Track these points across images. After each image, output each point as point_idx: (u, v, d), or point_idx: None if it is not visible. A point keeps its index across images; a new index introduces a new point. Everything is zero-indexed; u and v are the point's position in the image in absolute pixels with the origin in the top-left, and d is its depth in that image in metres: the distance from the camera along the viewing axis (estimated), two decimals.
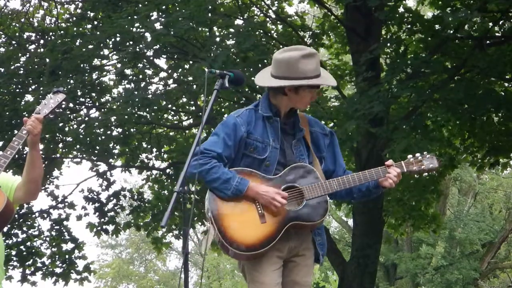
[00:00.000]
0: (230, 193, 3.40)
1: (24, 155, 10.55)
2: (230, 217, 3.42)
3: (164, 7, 9.39)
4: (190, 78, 9.60)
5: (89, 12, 11.01)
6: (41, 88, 10.09)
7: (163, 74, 11.59)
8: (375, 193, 3.66)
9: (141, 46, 9.57)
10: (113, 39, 10.05)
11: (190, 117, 12.16)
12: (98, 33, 9.87)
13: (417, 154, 3.61)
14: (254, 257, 3.44)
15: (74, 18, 11.34)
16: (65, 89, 3.78)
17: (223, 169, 3.43)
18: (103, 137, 10.32)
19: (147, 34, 9.24)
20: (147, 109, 9.85)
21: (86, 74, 10.55)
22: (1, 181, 3.58)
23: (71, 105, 10.71)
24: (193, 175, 3.33)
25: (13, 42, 11.59)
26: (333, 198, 3.81)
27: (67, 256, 11.85)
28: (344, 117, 8.47)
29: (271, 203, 3.40)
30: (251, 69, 9.21)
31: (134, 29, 9.54)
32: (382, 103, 7.75)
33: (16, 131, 10.23)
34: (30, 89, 10.84)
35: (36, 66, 10.69)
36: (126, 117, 9.55)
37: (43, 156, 10.48)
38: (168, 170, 12.09)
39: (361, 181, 3.52)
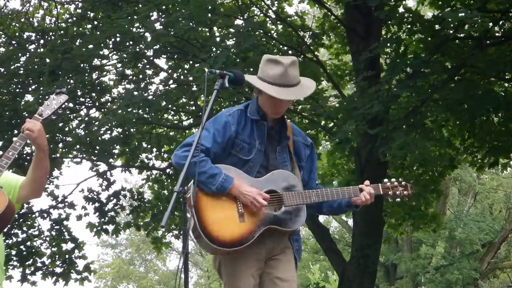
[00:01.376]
0: (215, 188, 3.44)
1: (24, 155, 10.58)
2: (210, 211, 3.45)
3: (164, 7, 9.39)
4: (190, 78, 9.60)
5: (89, 12, 11.01)
6: (41, 88, 10.08)
7: (163, 75, 11.60)
8: (345, 211, 3.81)
9: (141, 46, 9.57)
10: (113, 39, 10.05)
11: (190, 117, 12.16)
12: (98, 33, 9.87)
13: (393, 180, 3.82)
14: (226, 253, 3.47)
15: (74, 18, 11.34)
16: (65, 89, 3.76)
17: (210, 163, 3.46)
18: (103, 137, 10.31)
19: (147, 34, 9.24)
20: (147, 110, 9.85)
21: (86, 74, 10.54)
22: (3, 181, 3.57)
23: (71, 105, 10.71)
24: (181, 166, 3.34)
25: (13, 42, 11.59)
26: (315, 211, 3.90)
27: (67, 256, 11.85)
28: (343, 116, 8.47)
29: (252, 203, 3.44)
30: (251, 69, 9.21)
31: (134, 29, 9.54)
32: (381, 103, 7.76)
33: (16, 131, 10.28)
34: (30, 89, 10.84)
35: (36, 66, 10.68)
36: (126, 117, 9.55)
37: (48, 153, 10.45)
38: (168, 170, 12.10)
39: (338, 196, 3.65)
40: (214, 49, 8.91)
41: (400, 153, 7.86)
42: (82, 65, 10.08)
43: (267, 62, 3.54)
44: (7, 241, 11.15)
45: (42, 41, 11.74)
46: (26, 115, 9.64)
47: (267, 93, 3.49)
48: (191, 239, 3.41)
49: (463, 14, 7.49)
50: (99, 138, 10.12)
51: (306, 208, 3.64)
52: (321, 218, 15.16)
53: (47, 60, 10.29)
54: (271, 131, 3.64)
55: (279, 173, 3.57)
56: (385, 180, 3.81)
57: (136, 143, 11.61)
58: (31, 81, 10.74)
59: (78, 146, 10.84)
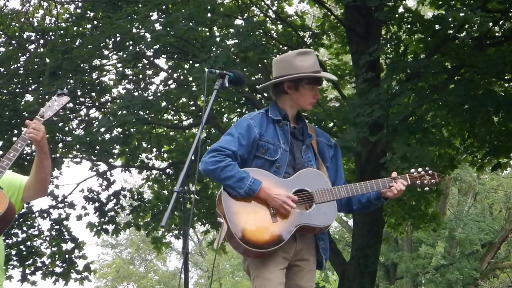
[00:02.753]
0: (243, 192, 3.46)
1: (25, 155, 10.58)
2: (243, 214, 3.48)
3: (164, 7, 9.39)
4: (190, 78, 9.60)
5: (89, 12, 11.01)
6: (41, 88, 10.09)
7: (163, 75, 11.61)
8: (375, 205, 3.77)
9: (141, 46, 9.57)
10: (113, 39, 10.05)
11: (190, 117, 12.16)
12: (98, 32, 9.86)
13: (419, 169, 3.76)
14: (262, 255, 3.49)
15: (74, 18, 11.34)
16: (67, 90, 3.76)
17: (237, 167, 3.49)
18: (103, 137, 10.31)
19: (147, 34, 9.24)
20: (148, 111, 9.85)
21: (86, 74, 10.54)
22: (5, 182, 3.57)
23: (71, 105, 10.71)
24: (209, 171, 3.45)
25: (13, 42, 11.59)
26: (344, 210, 3.87)
27: (67, 256, 11.85)
28: (344, 122, 8.46)
29: (281, 206, 3.46)
30: (251, 69, 9.21)
31: (134, 30, 9.54)
32: (382, 107, 7.74)
33: (16, 131, 10.29)
34: (30, 89, 10.84)
35: (36, 66, 10.68)
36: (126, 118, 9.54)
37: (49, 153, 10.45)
38: (168, 170, 12.10)
39: (368, 190, 3.63)
40: (214, 49, 8.91)
41: (403, 164, 7.83)
42: (82, 65, 10.09)
43: (298, 56, 3.62)
44: (7, 241, 11.15)
45: (42, 41, 11.74)
46: (26, 115, 9.64)
47: (315, 76, 3.59)
48: (191, 239, 3.42)
49: (463, 14, 7.48)
50: (99, 138, 10.12)
51: (338, 208, 3.67)
52: None
53: (47, 60, 10.29)
54: (294, 131, 3.67)
55: (308, 171, 3.59)
56: (412, 170, 3.77)
57: (136, 143, 11.62)
58: (31, 81, 10.74)
59: (78, 146, 10.85)
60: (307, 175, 3.59)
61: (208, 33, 9.79)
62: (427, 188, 3.81)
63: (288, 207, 3.46)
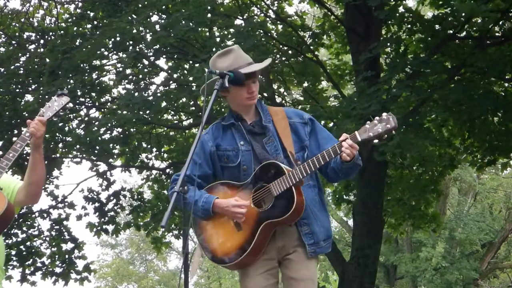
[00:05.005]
0: (201, 214, 3.49)
1: (25, 155, 10.57)
2: (214, 235, 3.53)
3: (164, 7, 9.38)
4: (190, 78, 9.60)
5: (89, 12, 11.01)
6: (41, 88, 10.08)
7: (163, 75, 11.61)
8: (346, 167, 3.39)
9: (141, 46, 9.56)
10: (113, 39, 10.04)
11: (190, 117, 12.16)
12: (98, 32, 9.86)
13: (369, 121, 3.32)
14: (241, 265, 3.51)
15: (74, 18, 11.34)
16: (67, 90, 3.77)
17: (191, 192, 3.37)
18: (103, 137, 10.32)
19: (147, 35, 9.24)
20: (148, 111, 9.85)
21: (86, 74, 10.54)
22: (3, 183, 3.57)
23: (71, 105, 10.70)
24: (175, 205, 3.13)
25: (13, 42, 11.59)
26: (332, 181, 3.71)
27: (67, 256, 11.84)
28: (342, 116, 8.46)
29: (234, 215, 3.44)
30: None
31: (134, 30, 9.54)
32: (379, 103, 7.74)
33: (16, 131, 10.29)
34: (30, 89, 10.84)
35: (36, 66, 10.68)
36: (126, 118, 9.55)
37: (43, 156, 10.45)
38: (168, 170, 12.10)
39: (320, 163, 3.37)
40: (214, 49, 8.91)
41: (397, 151, 7.84)
42: (82, 65, 10.08)
43: (217, 58, 3.52)
44: (7, 241, 11.15)
45: (42, 41, 11.74)
46: (26, 115, 9.64)
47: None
48: (191, 239, 3.42)
49: (470, 7, 7.43)
50: (99, 138, 10.12)
51: (332, 179, 3.54)
52: None
53: (47, 60, 10.29)
54: (250, 127, 3.59)
55: (262, 167, 3.49)
56: (368, 122, 3.33)
57: (136, 143, 11.61)
58: (31, 81, 10.74)
59: (78, 146, 10.84)
60: (263, 170, 3.47)
61: (208, 34, 9.79)
62: (385, 136, 3.22)
63: (239, 214, 3.41)
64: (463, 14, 7.64)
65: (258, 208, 3.46)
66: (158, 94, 10.55)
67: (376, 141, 3.33)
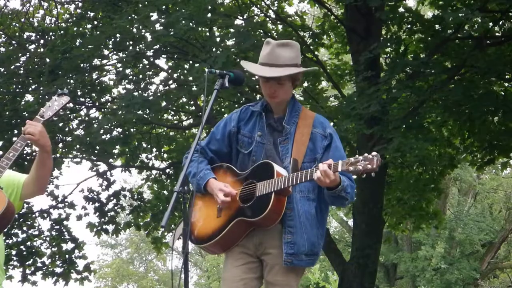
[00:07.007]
0: (195, 187, 3.52)
1: (24, 155, 10.58)
2: (198, 213, 3.56)
3: (164, 7, 9.38)
4: (190, 78, 9.61)
5: (89, 12, 11.01)
6: (41, 88, 10.09)
7: (163, 75, 11.60)
8: (331, 195, 3.35)
9: (141, 46, 9.56)
10: (112, 39, 10.05)
11: (190, 117, 12.16)
12: (97, 32, 9.86)
13: (357, 155, 3.28)
14: (209, 251, 3.61)
15: (74, 18, 11.34)
16: (67, 90, 3.76)
17: (197, 163, 3.49)
18: (103, 137, 10.31)
19: (147, 34, 9.23)
20: (147, 110, 9.86)
21: (86, 74, 10.54)
22: (4, 181, 3.57)
23: (71, 105, 10.70)
24: (183, 167, 3.32)
25: (13, 42, 11.58)
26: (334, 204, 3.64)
27: (67, 256, 11.85)
28: (342, 116, 8.47)
29: (217, 200, 3.45)
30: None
31: (134, 30, 9.54)
32: (379, 103, 7.75)
33: (16, 131, 10.29)
34: (30, 89, 10.84)
35: (36, 66, 10.68)
36: (126, 118, 9.55)
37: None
38: (168, 170, 12.10)
39: (300, 180, 3.30)
40: (214, 49, 8.90)
41: (397, 154, 7.84)
42: (82, 65, 10.08)
43: (263, 46, 3.53)
44: (7, 241, 11.15)
45: (42, 41, 11.73)
46: (26, 115, 9.64)
47: (249, 70, 3.52)
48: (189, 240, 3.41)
49: (462, 14, 7.48)
50: (99, 138, 10.12)
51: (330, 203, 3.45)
52: None
53: (47, 60, 10.28)
54: (272, 122, 3.54)
55: (261, 163, 3.46)
56: (356, 156, 3.28)
57: (136, 143, 11.61)
58: (31, 81, 10.74)
59: (78, 146, 10.85)
60: (260, 167, 3.45)
61: (208, 33, 9.79)
62: (364, 175, 3.23)
63: (220, 199, 3.39)
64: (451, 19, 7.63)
65: (242, 202, 3.44)
66: (158, 94, 10.55)
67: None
